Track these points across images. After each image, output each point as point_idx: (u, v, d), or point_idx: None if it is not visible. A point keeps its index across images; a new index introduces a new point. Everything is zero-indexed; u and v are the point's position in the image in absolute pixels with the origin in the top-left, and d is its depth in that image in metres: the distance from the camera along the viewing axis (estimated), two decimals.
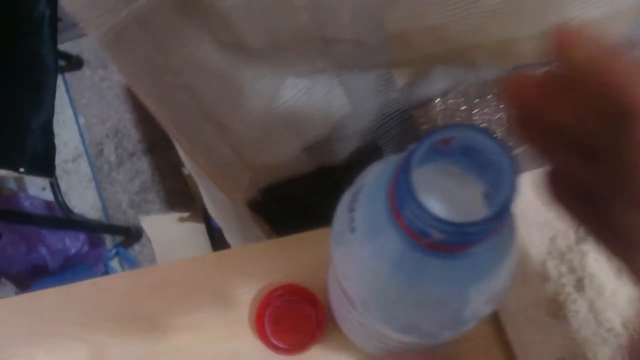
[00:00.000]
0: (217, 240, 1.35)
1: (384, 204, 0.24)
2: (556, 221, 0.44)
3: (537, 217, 0.44)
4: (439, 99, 0.46)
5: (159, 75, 0.31)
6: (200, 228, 1.39)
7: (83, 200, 1.56)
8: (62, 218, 1.33)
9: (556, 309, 0.42)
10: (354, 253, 0.26)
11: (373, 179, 0.27)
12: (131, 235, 1.48)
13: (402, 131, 0.46)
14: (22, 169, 1.05)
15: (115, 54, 0.29)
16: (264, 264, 0.44)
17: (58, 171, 1.54)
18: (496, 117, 0.51)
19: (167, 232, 1.34)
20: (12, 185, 1.48)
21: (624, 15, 0.38)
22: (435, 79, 0.44)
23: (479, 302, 0.25)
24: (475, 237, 0.22)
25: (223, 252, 0.44)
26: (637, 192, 0.20)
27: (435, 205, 0.25)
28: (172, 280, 0.43)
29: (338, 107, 0.40)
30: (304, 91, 0.38)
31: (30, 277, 1.27)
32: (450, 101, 0.47)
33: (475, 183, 0.25)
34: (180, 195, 1.53)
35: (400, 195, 0.22)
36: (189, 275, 0.43)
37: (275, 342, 0.41)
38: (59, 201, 1.33)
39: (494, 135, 0.22)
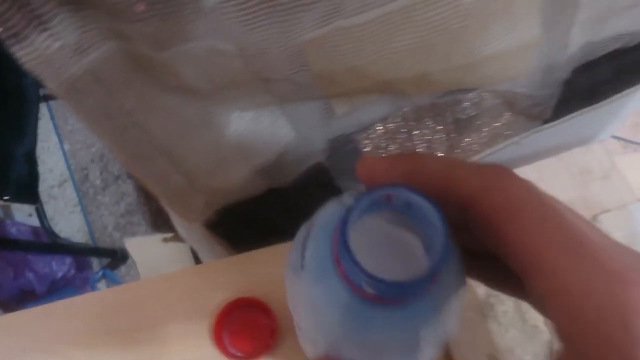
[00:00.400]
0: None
1: (329, 249, 0.24)
2: None
3: None
4: (379, 124, 0.51)
5: (112, 117, 0.35)
6: (184, 247, 1.43)
7: (69, 224, 1.59)
8: (48, 243, 1.37)
9: (487, 310, 0.46)
10: (301, 289, 0.27)
11: (324, 220, 0.26)
12: (117, 257, 1.51)
13: (346, 153, 0.50)
14: (6, 197, 1.09)
15: (71, 102, 0.33)
16: (224, 279, 0.48)
17: (44, 196, 1.58)
18: (436, 137, 0.56)
19: (151, 253, 1.37)
20: (0, 213, 1.51)
21: (526, 50, 0.43)
22: (373, 106, 0.48)
23: (425, 346, 0.26)
24: (411, 293, 0.22)
25: (185, 270, 0.48)
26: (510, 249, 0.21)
27: (379, 254, 0.26)
28: (139, 297, 0.47)
29: (283, 135, 0.45)
30: (250, 122, 0.42)
31: (18, 301, 1.30)
32: (389, 125, 0.51)
33: (417, 235, 0.25)
34: (166, 217, 1.56)
35: (340, 247, 0.22)
36: (154, 293, 0.47)
37: (233, 351, 0.45)
38: (45, 226, 1.37)
39: (426, 197, 0.22)
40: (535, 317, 0.45)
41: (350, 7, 0.34)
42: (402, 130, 0.53)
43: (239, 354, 0.45)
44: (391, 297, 0.23)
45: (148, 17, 0.30)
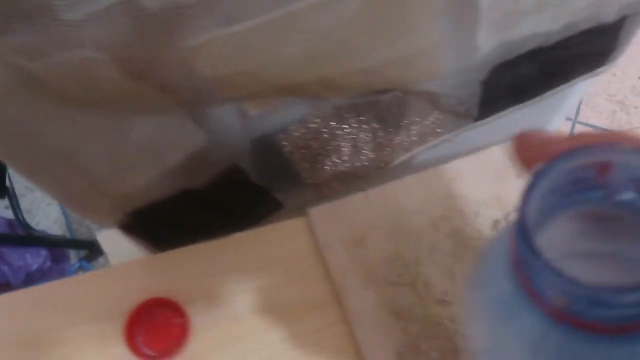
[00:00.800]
0: None
1: (510, 281, 0.17)
2: (402, 229, 0.49)
3: (386, 224, 0.49)
4: (299, 124, 0.51)
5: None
6: None
7: (47, 217, 1.60)
8: (23, 235, 1.38)
9: (396, 308, 0.47)
10: (478, 317, 0.21)
11: (489, 252, 0.21)
12: (95, 249, 1.52)
13: (262, 154, 0.51)
14: None
15: None
16: (137, 280, 0.49)
17: (21, 189, 1.59)
18: (361, 136, 0.56)
19: (122, 245, 1.38)
20: None
21: (429, 54, 0.43)
22: (289, 107, 0.48)
23: None
24: None
25: (98, 272, 0.49)
26: None
27: (593, 273, 0.18)
28: (53, 297, 0.48)
29: (192, 139, 0.45)
30: (155, 126, 0.43)
31: None
32: (310, 125, 0.52)
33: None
34: None
35: (527, 267, 0.16)
36: (70, 293, 0.48)
37: (145, 350, 0.46)
38: (19, 219, 1.38)
39: None
40: (438, 314, 0.46)
41: (229, 14, 0.35)
42: (324, 130, 0.53)
43: (150, 353, 0.46)
44: (621, 321, 0.15)
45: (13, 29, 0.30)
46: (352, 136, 0.55)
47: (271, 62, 0.38)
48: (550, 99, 0.63)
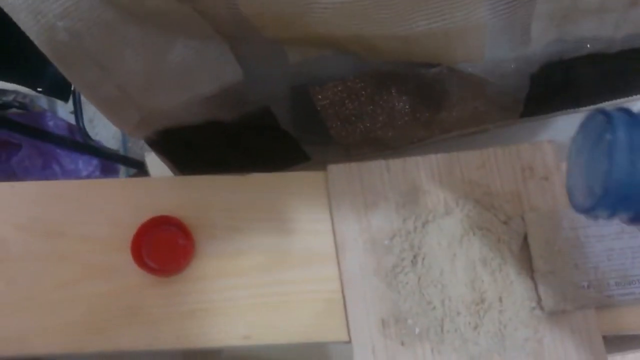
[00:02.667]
0: None
1: None
2: (414, 205, 0.49)
3: (399, 197, 0.49)
4: (338, 80, 0.51)
5: (39, 15, 0.37)
6: None
7: (107, 129, 1.66)
8: (79, 142, 1.44)
9: (391, 279, 0.47)
10: None
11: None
12: (143, 169, 1.58)
13: (297, 103, 0.51)
14: (39, 89, 1.15)
15: None
16: (155, 196, 0.51)
17: None
18: (399, 106, 0.56)
19: (167, 170, 1.42)
20: (44, 104, 1.59)
21: (474, 32, 0.42)
22: (329, 62, 0.48)
23: None
24: None
25: (121, 180, 0.51)
26: None
27: None
28: (74, 195, 0.51)
29: (229, 72, 0.46)
30: (194, 51, 0.44)
31: None
32: (349, 84, 0.52)
33: None
34: None
35: None
36: (90, 193, 0.51)
37: (147, 262, 0.49)
38: (80, 125, 1.44)
39: None
40: (432, 294, 0.46)
41: None
42: (362, 92, 0.53)
43: (152, 265, 0.49)
44: None
45: None
46: (390, 105, 0.55)
47: (307, 10, 0.39)
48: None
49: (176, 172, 0.57)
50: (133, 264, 0.48)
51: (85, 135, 1.47)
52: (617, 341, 0.48)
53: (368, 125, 0.55)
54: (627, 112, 0.25)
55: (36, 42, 0.38)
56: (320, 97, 0.52)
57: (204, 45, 0.44)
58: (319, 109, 0.53)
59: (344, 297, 0.48)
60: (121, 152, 1.63)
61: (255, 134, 0.53)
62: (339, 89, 0.52)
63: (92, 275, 0.49)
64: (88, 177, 1.46)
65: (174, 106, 0.47)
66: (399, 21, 0.40)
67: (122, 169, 1.61)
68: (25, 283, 0.49)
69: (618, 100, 0.60)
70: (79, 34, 0.39)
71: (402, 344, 0.45)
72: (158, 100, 0.46)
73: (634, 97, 0.60)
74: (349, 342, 0.46)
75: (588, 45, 0.49)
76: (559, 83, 0.54)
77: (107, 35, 0.40)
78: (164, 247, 0.49)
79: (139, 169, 1.57)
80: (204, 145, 0.53)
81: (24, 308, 0.48)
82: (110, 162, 1.55)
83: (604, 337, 0.45)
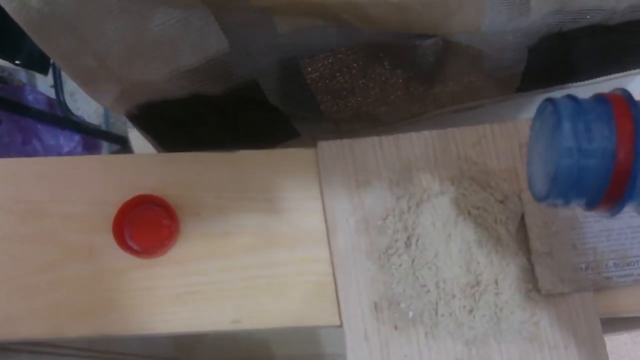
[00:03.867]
0: None
1: None
2: (408, 183, 0.47)
3: (392, 175, 0.47)
4: (329, 52, 0.49)
5: None
6: None
7: (88, 104, 1.62)
8: (59, 116, 1.41)
9: (384, 261, 0.46)
10: None
11: None
12: (126, 145, 1.55)
13: (286, 76, 0.49)
14: (17, 62, 1.11)
15: None
16: (138, 173, 0.49)
17: None
18: (392, 80, 0.54)
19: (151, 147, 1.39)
20: (23, 78, 1.55)
21: (472, 1, 0.40)
22: (320, 32, 0.46)
23: None
24: None
25: (103, 157, 0.49)
26: None
27: None
28: (54, 172, 0.48)
29: (214, 43, 0.44)
30: (176, 20, 0.41)
31: None
32: (340, 56, 0.50)
33: None
34: None
35: None
36: (71, 171, 0.49)
37: (130, 243, 0.47)
38: (60, 100, 1.40)
39: None
40: (426, 277, 0.44)
41: None
42: (354, 64, 0.51)
43: (135, 247, 0.47)
44: None
45: None
46: (383, 78, 0.53)
47: None
48: (603, 86, 0.59)
49: (160, 150, 0.55)
50: (116, 245, 0.46)
51: (66, 109, 1.44)
52: (613, 322, 0.48)
53: (360, 99, 0.53)
54: (572, 99, 0.26)
55: (8, 10, 0.35)
56: (310, 69, 0.50)
57: (187, 14, 0.41)
58: (308, 82, 0.50)
59: (335, 279, 0.46)
60: (103, 127, 1.59)
61: (243, 109, 0.51)
62: (330, 61, 0.50)
63: (73, 257, 0.47)
64: (69, 153, 1.43)
65: (156, 79, 0.44)
66: None
67: (104, 145, 1.58)
68: (4, 265, 0.47)
69: (615, 75, 0.58)
70: (54, 3, 0.36)
71: (396, 328, 0.44)
72: (139, 72, 0.44)
73: (632, 71, 0.59)
74: (341, 326, 0.45)
75: (588, 17, 0.47)
76: (557, 56, 0.52)
77: (84, 2, 0.37)
78: (147, 227, 0.47)
79: (122, 145, 1.54)
80: (188, 121, 0.51)
81: (3, 292, 0.46)
82: (92, 137, 1.52)
83: (601, 319, 0.44)
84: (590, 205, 0.27)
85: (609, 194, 0.25)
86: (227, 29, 0.44)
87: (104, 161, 0.49)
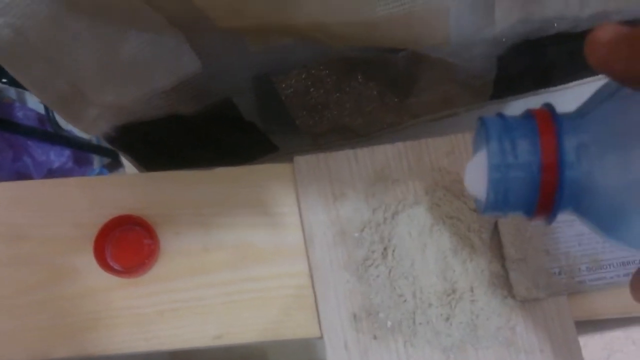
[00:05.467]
0: None
1: None
2: (383, 195, 0.48)
3: (368, 188, 0.48)
4: (302, 68, 0.50)
5: None
6: None
7: None
8: (50, 132, 1.41)
9: (362, 272, 0.46)
10: None
11: None
12: (117, 159, 1.55)
13: (260, 94, 0.50)
14: (4, 80, 1.12)
15: None
16: (118, 194, 0.49)
17: None
18: (366, 92, 0.55)
19: None
20: (13, 95, 1.55)
21: (436, 16, 0.41)
22: (291, 49, 0.47)
23: None
24: None
25: (82, 178, 0.50)
26: None
27: None
28: (35, 195, 0.49)
29: (187, 64, 0.45)
30: (147, 43, 0.42)
31: None
32: (313, 71, 0.51)
33: None
34: None
35: None
36: (52, 193, 0.49)
37: (111, 263, 0.47)
38: (49, 116, 1.41)
39: None
40: (403, 286, 0.45)
41: None
42: (328, 79, 0.52)
43: (116, 267, 0.47)
44: None
45: None
46: (357, 91, 0.54)
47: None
48: (577, 89, 0.60)
49: (140, 169, 0.56)
50: (98, 266, 0.47)
51: (56, 125, 1.44)
52: (587, 324, 0.48)
53: (335, 113, 0.54)
54: (501, 117, 0.28)
55: None
56: (284, 86, 0.50)
57: (158, 37, 0.42)
58: (283, 98, 0.51)
59: (314, 292, 0.47)
60: (94, 141, 1.60)
61: (219, 127, 0.52)
62: (303, 77, 0.50)
63: (56, 279, 0.47)
64: (60, 168, 1.44)
65: (131, 101, 0.45)
66: (358, 7, 0.39)
67: (95, 158, 1.59)
68: None
69: (588, 79, 0.59)
70: (23, 31, 0.37)
71: (375, 337, 0.45)
72: (113, 95, 0.44)
73: (600, 76, 0.60)
74: (321, 337, 0.46)
75: (555, 25, 0.48)
76: (526, 64, 0.53)
77: (53, 30, 0.38)
78: (128, 247, 0.48)
79: (113, 158, 1.54)
80: (166, 141, 0.51)
81: None
82: (83, 152, 1.53)
83: (576, 322, 0.45)
84: (528, 215, 0.28)
85: (541, 205, 0.27)
86: (199, 50, 0.44)
87: (83, 183, 0.50)
